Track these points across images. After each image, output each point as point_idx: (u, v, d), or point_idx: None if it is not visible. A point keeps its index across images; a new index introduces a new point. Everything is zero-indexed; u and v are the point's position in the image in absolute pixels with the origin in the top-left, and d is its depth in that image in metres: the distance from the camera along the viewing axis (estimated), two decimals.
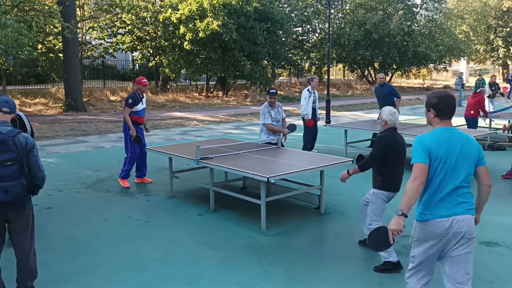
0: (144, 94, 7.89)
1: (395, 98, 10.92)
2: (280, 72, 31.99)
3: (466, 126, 11.30)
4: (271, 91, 7.81)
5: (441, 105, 3.22)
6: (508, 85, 23.01)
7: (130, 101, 7.72)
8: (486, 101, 15.39)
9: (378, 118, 4.88)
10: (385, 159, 4.70)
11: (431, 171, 3.16)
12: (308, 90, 9.80)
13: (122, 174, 7.94)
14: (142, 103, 7.84)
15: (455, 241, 3.14)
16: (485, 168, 3.25)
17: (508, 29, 41.86)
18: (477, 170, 3.25)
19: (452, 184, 3.15)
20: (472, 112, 11.12)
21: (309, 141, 9.94)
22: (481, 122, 13.67)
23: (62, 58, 20.61)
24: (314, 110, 9.87)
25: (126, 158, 7.96)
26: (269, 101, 7.84)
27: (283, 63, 29.94)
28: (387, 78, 35.28)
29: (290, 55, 29.93)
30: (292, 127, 8.10)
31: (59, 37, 21.54)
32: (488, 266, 4.69)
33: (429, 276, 3.31)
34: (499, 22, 42.44)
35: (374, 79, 35.40)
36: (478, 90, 11.52)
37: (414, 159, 3.18)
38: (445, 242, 3.15)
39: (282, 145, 7.64)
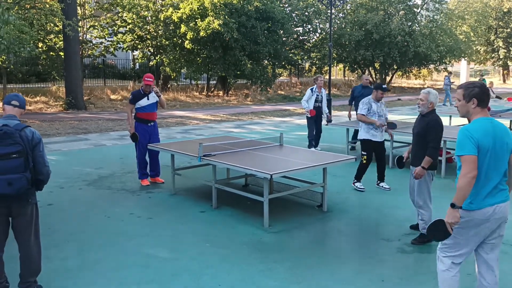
0: (152, 90, 7.68)
1: None
2: (280, 72, 31.98)
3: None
4: (383, 86, 7.27)
5: (481, 93, 3.37)
6: None
7: (131, 97, 7.70)
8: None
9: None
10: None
11: (478, 163, 3.27)
12: (311, 89, 9.82)
13: (138, 175, 7.89)
14: (148, 98, 7.64)
15: (495, 226, 3.36)
16: None
17: (508, 30, 41.90)
18: (510, 158, 3.43)
19: (497, 174, 3.34)
20: None
21: (313, 137, 9.99)
22: None
23: (62, 56, 20.60)
24: (317, 108, 9.86)
25: (136, 159, 7.90)
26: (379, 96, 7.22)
27: (283, 63, 29.94)
28: (388, 79, 35.34)
29: (290, 55, 29.93)
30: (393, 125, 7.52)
31: (60, 35, 21.55)
32: None
33: (463, 259, 3.49)
34: (500, 23, 42.47)
35: (374, 79, 35.40)
36: None
37: (462, 151, 3.27)
38: (487, 228, 3.35)
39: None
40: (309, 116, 9.94)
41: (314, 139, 10.07)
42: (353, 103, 10.46)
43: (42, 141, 3.87)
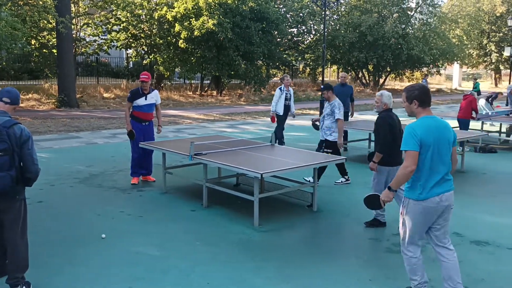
0: (150, 89, 7.68)
1: (350, 102, 10.92)
2: (274, 72, 32.02)
3: (458, 128, 11.38)
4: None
5: (422, 95, 3.76)
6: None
7: (129, 95, 7.67)
8: (482, 102, 15.45)
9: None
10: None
11: (422, 157, 3.65)
12: (280, 88, 10.34)
13: (130, 172, 7.87)
14: (146, 99, 7.60)
15: (442, 212, 3.76)
16: (455, 149, 3.90)
17: (501, 34, 42.22)
18: (453, 151, 3.84)
19: (442, 166, 3.71)
20: (464, 113, 11.19)
21: (282, 136, 10.42)
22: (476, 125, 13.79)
23: (55, 53, 20.49)
24: (287, 107, 10.37)
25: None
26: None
27: (277, 64, 29.97)
28: (381, 81, 35.50)
29: (284, 55, 29.99)
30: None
31: (53, 32, 21.43)
32: (478, 265, 4.74)
33: (421, 242, 3.92)
34: (492, 27, 42.79)
35: (368, 81, 35.55)
36: (469, 93, 11.58)
37: (406, 147, 3.67)
38: (435, 214, 3.74)
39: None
40: (271, 119, 10.55)
41: (282, 137, 10.46)
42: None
43: (31, 138, 3.85)
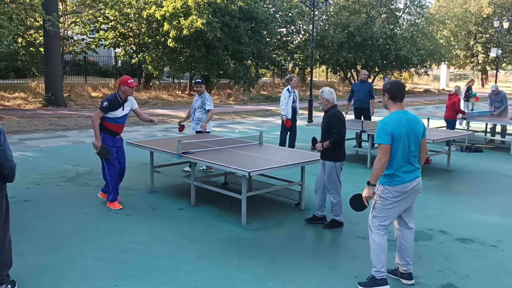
0: (129, 97, 6.40)
1: (370, 99, 11.03)
2: (264, 72, 32.03)
3: (445, 127, 11.50)
4: (197, 80, 8.36)
5: (393, 89, 4.08)
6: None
7: (105, 104, 6.17)
8: (462, 103, 15.74)
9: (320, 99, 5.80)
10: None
11: (394, 149, 3.99)
12: (287, 89, 9.89)
13: (111, 197, 6.46)
14: (123, 109, 6.34)
15: (413, 195, 4.14)
16: (425, 140, 4.21)
17: (487, 35, 42.70)
18: (421, 142, 4.16)
19: (411, 156, 4.06)
20: (450, 113, 11.31)
21: (285, 140, 10.07)
22: (461, 125, 13.94)
23: (43, 52, 20.30)
24: (294, 109, 9.98)
25: (104, 174, 6.51)
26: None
27: (267, 64, 29.97)
28: (369, 81, 35.72)
29: (274, 55, 29.99)
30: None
31: (40, 31, 21.24)
32: (463, 262, 4.80)
33: (390, 225, 4.21)
34: (479, 28, 43.26)
35: (356, 81, 35.72)
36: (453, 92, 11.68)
37: (379, 140, 3.98)
38: (408, 198, 4.11)
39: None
40: (285, 124, 9.91)
41: (285, 141, 10.14)
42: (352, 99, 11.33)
43: (3, 134, 3.70)
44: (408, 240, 4.27)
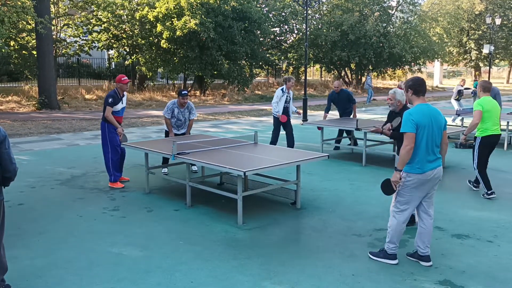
0: (124, 92, 7.65)
1: (352, 104, 10.98)
2: (258, 72, 32.04)
3: None
4: (183, 92, 8.24)
5: (416, 85, 4.46)
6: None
7: (111, 100, 7.40)
8: (455, 103, 15.90)
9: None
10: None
11: (418, 137, 4.32)
12: (282, 89, 9.88)
13: (112, 178, 7.56)
14: (122, 102, 7.59)
15: (433, 183, 4.49)
16: (446, 132, 4.55)
17: (480, 32, 42.93)
18: (444, 134, 4.51)
19: (434, 146, 4.41)
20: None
21: (276, 139, 10.04)
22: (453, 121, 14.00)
23: (35, 55, 20.20)
24: (285, 109, 9.97)
25: (107, 160, 7.57)
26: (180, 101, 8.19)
27: (260, 63, 30.01)
28: (363, 79, 35.78)
29: (267, 55, 30.02)
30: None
31: (32, 34, 21.14)
32: (460, 257, 4.81)
33: (412, 211, 4.58)
34: (472, 25, 43.49)
35: (350, 79, 35.80)
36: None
37: (405, 129, 4.32)
38: (429, 185, 4.46)
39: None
40: (279, 120, 9.88)
41: (276, 142, 10.10)
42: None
43: (7, 138, 3.77)
44: (428, 225, 4.59)
